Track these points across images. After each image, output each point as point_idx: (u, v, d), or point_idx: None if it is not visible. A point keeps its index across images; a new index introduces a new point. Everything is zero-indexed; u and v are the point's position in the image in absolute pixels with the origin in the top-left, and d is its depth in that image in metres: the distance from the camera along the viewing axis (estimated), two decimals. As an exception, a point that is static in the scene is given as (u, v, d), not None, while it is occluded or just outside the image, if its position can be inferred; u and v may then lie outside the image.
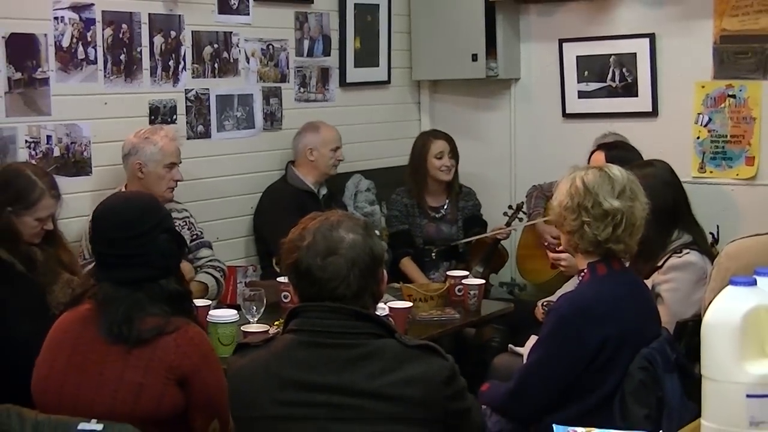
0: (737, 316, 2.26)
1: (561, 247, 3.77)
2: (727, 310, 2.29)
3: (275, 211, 5.42)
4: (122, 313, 3.05)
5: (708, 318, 2.32)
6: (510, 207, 5.89)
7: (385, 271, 2.84)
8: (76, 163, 4.76)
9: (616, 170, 3.43)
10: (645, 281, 3.97)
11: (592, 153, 5.03)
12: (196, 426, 3.14)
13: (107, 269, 3.18)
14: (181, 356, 3.04)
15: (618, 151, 4.97)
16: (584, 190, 3.35)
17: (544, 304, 4.55)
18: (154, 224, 3.17)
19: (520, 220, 5.82)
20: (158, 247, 3.14)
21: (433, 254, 5.70)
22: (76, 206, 4.54)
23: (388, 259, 5.14)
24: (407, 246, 5.77)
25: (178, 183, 4.80)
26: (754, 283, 2.32)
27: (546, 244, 5.19)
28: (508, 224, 5.78)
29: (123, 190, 4.65)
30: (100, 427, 2.78)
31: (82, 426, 2.79)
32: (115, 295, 3.10)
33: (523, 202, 5.86)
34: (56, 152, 4.67)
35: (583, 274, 3.47)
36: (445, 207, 5.89)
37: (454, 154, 5.83)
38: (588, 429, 1.97)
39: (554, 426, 2.03)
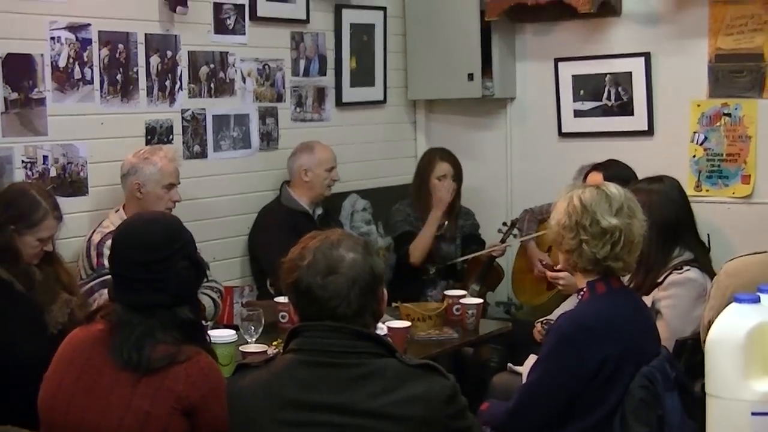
0: (741, 334, 2.26)
1: (559, 266, 3.76)
2: (731, 327, 2.29)
3: (269, 232, 5.41)
4: (134, 340, 3.02)
5: (712, 335, 2.32)
6: (504, 224, 5.89)
7: (385, 290, 2.84)
8: (73, 183, 4.75)
9: (613, 188, 3.43)
10: (645, 297, 3.98)
11: (587, 175, 5.03)
12: (200, 456, 3.13)
13: (123, 291, 3.14)
14: (190, 387, 3.01)
15: (614, 169, 4.98)
16: (582, 208, 3.35)
17: (544, 323, 4.54)
18: (176, 249, 3.13)
19: (515, 236, 5.82)
20: (178, 273, 3.10)
21: (432, 272, 5.69)
22: (72, 226, 4.52)
23: (388, 273, 5.15)
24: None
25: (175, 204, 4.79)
26: (758, 300, 2.32)
27: (542, 264, 5.21)
28: (502, 241, 5.78)
29: (120, 210, 4.64)
30: (104, 451, 2.76)
31: (86, 450, 2.77)
32: (128, 319, 3.06)
33: (517, 219, 5.86)
34: (53, 172, 4.66)
35: (582, 292, 3.47)
36: (445, 225, 5.88)
37: (458, 177, 5.85)
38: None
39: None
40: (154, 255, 3.10)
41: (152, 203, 4.64)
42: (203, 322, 4.13)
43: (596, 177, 4.93)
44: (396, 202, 5.97)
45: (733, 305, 2.32)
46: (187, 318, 3.11)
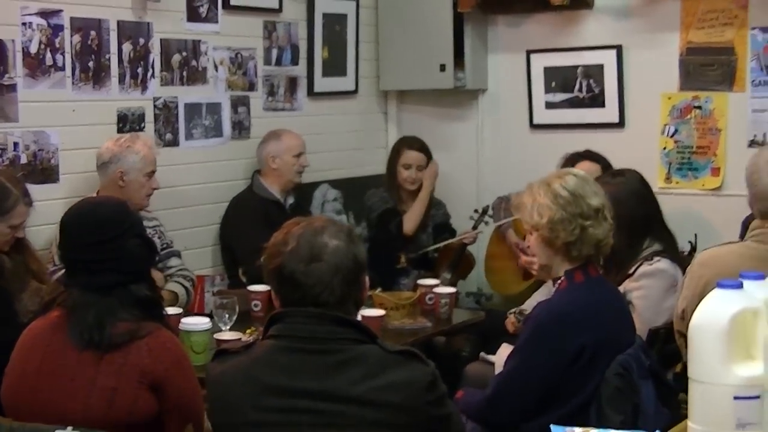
0: (725, 319, 2.27)
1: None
2: (714, 312, 2.30)
3: (241, 221, 5.40)
4: (93, 318, 3.02)
5: (695, 321, 2.33)
6: (476, 211, 5.90)
7: (367, 278, 2.83)
8: (44, 171, 4.72)
9: (577, 171, 3.51)
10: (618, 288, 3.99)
11: (574, 164, 5.03)
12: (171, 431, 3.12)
13: (76, 275, 3.14)
14: (153, 360, 3.01)
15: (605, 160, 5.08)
16: (572, 197, 3.36)
17: (517, 313, 4.54)
18: (126, 228, 3.13)
19: (486, 223, 5.83)
20: (129, 251, 3.10)
21: (403, 260, 5.69)
22: (44, 214, 4.49)
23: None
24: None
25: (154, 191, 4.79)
26: (740, 286, 2.33)
27: (519, 247, 5.21)
28: (474, 227, 5.80)
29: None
30: (74, 433, 2.75)
31: (56, 432, 2.76)
32: (84, 300, 3.06)
33: (488, 206, 5.88)
34: (23, 159, 4.63)
35: (559, 281, 3.47)
36: None
37: (423, 166, 5.86)
38: (585, 429, 1.97)
39: (551, 426, 2.02)
40: (105, 234, 3.10)
41: (134, 191, 4.65)
42: (174, 309, 4.18)
43: (587, 166, 4.97)
44: (366, 193, 5.97)
45: (716, 291, 2.33)
46: (144, 295, 3.11)
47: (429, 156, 5.92)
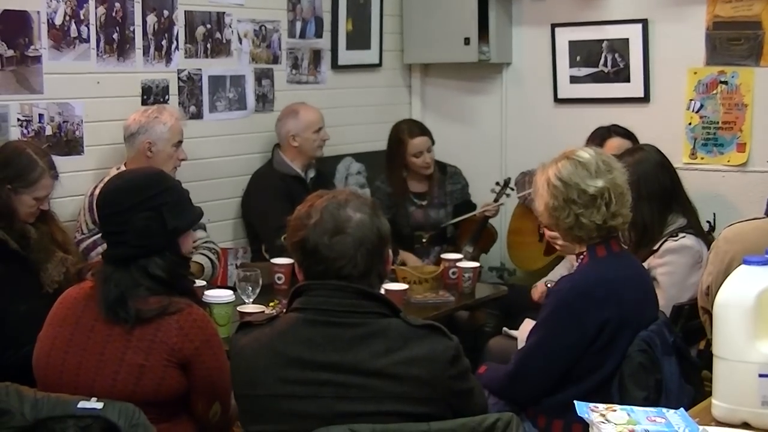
0: (751, 296, 2.27)
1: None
2: (740, 289, 2.30)
3: (262, 199, 5.40)
4: (115, 293, 3.04)
5: (720, 298, 2.33)
6: (497, 183, 5.87)
7: (390, 252, 2.83)
8: (68, 143, 4.73)
9: (582, 152, 3.43)
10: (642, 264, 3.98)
11: (603, 141, 5.03)
12: (198, 409, 3.14)
13: (107, 246, 3.20)
14: (183, 339, 3.02)
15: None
16: (564, 185, 3.35)
17: (548, 284, 4.53)
18: (136, 203, 3.10)
19: (508, 195, 5.82)
20: (134, 225, 3.08)
21: (424, 240, 5.68)
22: (68, 185, 4.51)
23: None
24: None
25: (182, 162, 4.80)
26: (767, 263, 2.32)
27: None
28: (496, 200, 5.77)
29: (121, 169, 4.62)
30: (100, 405, 2.74)
31: (82, 404, 2.76)
32: (108, 273, 3.09)
33: (510, 178, 5.87)
34: (48, 131, 4.64)
35: (582, 256, 3.47)
36: (430, 192, 5.88)
37: (432, 146, 5.83)
38: (609, 406, 1.96)
39: (575, 402, 2.02)
40: (111, 208, 3.13)
41: (162, 161, 4.63)
42: (200, 281, 4.18)
43: (618, 142, 4.96)
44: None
45: (743, 267, 2.32)
46: (155, 271, 3.08)
47: (430, 134, 5.87)
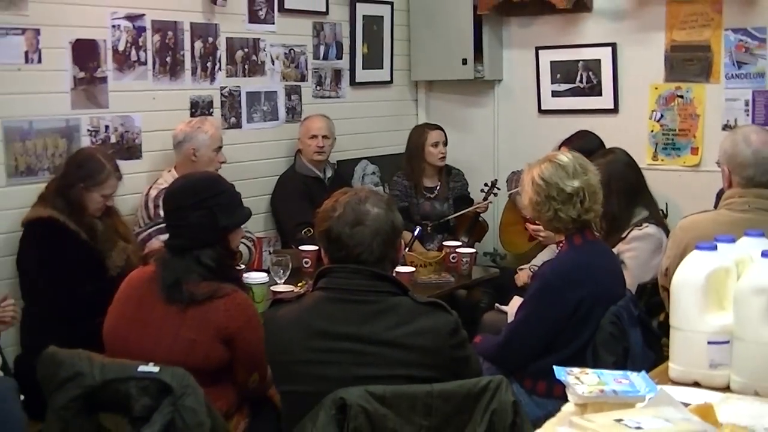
0: (701, 276, 2.27)
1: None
2: (693, 271, 2.30)
3: (284, 199, 5.39)
4: (171, 278, 3.07)
5: (677, 277, 2.33)
6: (486, 184, 5.86)
7: (402, 241, 2.84)
8: (129, 149, 4.75)
9: (562, 156, 3.42)
10: (612, 249, 3.98)
11: (559, 148, 5.02)
12: (239, 377, 3.16)
13: (168, 236, 3.22)
14: (228, 319, 3.04)
15: (578, 142, 5.00)
16: (545, 183, 3.34)
17: (531, 269, 4.54)
18: (193, 202, 3.14)
19: (495, 194, 5.81)
20: (190, 221, 3.12)
21: (429, 228, 5.69)
22: (129, 185, 4.53)
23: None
24: (406, 221, 5.74)
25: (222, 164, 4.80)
26: (715, 248, 2.33)
27: (528, 218, 5.19)
28: (485, 199, 5.77)
29: (172, 171, 4.64)
30: (156, 369, 2.77)
31: (141, 368, 2.78)
32: (168, 261, 3.11)
33: (497, 179, 5.85)
34: (113, 139, 4.65)
35: (561, 244, 3.47)
36: (438, 187, 5.86)
37: (446, 142, 5.84)
38: (582, 369, 1.98)
39: (555, 367, 2.03)
40: (172, 204, 3.17)
41: (205, 164, 4.64)
42: (237, 266, 4.19)
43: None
44: (399, 167, 5.93)
45: (695, 252, 2.33)
46: (207, 262, 3.11)
47: (444, 132, 5.87)
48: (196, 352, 3.02)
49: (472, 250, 4.86)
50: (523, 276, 4.74)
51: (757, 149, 3.50)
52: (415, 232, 5.18)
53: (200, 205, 3.14)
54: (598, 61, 5.86)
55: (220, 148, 4.77)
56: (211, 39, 5.12)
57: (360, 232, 2.67)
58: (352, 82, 6.12)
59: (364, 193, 2.76)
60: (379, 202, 2.73)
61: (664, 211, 4.95)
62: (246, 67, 5.36)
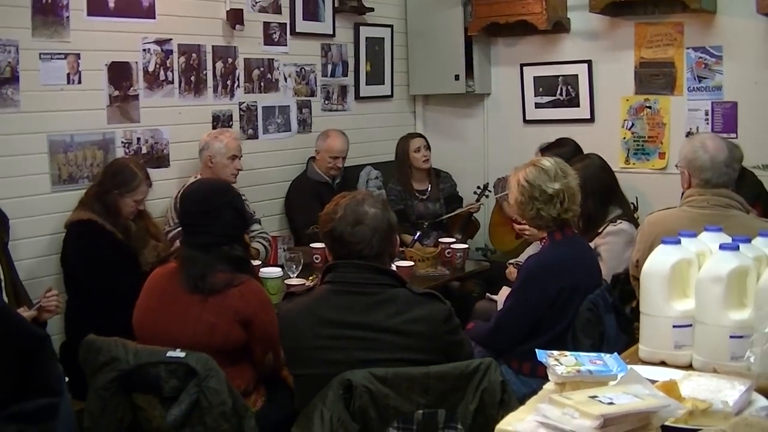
0: (667, 267, 2.26)
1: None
2: (659, 262, 2.29)
3: (297, 201, 5.38)
4: (197, 271, 3.07)
5: (645, 268, 2.32)
6: (478, 187, 5.86)
7: (398, 237, 2.84)
8: (158, 158, 4.75)
9: (545, 161, 3.41)
10: (589, 243, 3.98)
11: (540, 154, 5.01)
12: (256, 356, 3.17)
13: (188, 236, 3.21)
14: (244, 303, 3.05)
15: (555, 150, 4.98)
16: (529, 185, 3.34)
17: (515, 264, 4.53)
18: (222, 203, 3.15)
19: (486, 196, 5.80)
20: (223, 220, 3.12)
21: (425, 226, 5.68)
22: (158, 190, 4.53)
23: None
24: (402, 221, 5.72)
25: (239, 172, 4.78)
26: (679, 242, 2.32)
27: (513, 219, 5.19)
28: (477, 200, 5.77)
29: (198, 177, 4.63)
30: (183, 354, 2.78)
31: (170, 354, 2.79)
32: (191, 255, 3.11)
33: (488, 183, 5.86)
34: (144, 150, 4.66)
35: (544, 240, 3.47)
36: (429, 189, 5.84)
37: (428, 147, 5.81)
38: (561, 352, 1.97)
39: (537, 350, 2.02)
40: (202, 206, 3.14)
41: (220, 171, 4.64)
42: (256, 261, 4.19)
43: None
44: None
45: (661, 246, 2.32)
46: (235, 255, 3.13)
47: (425, 137, 5.85)
48: (216, 334, 3.03)
49: (465, 246, 4.85)
50: (514, 271, 4.71)
51: (714, 155, 3.48)
52: (416, 237, 5.18)
53: (228, 205, 3.17)
54: (576, 76, 5.86)
55: (236, 156, 4.74)
56: (230, 60, 5.12)
57: (360, 230, 2.67)
58: (357, 97, 6.12)
59: (362, 195, 2.77)
60: (375, 203, 2.74)
61: (635, 204, 4.94)
62: (262, 84, 5.35)
